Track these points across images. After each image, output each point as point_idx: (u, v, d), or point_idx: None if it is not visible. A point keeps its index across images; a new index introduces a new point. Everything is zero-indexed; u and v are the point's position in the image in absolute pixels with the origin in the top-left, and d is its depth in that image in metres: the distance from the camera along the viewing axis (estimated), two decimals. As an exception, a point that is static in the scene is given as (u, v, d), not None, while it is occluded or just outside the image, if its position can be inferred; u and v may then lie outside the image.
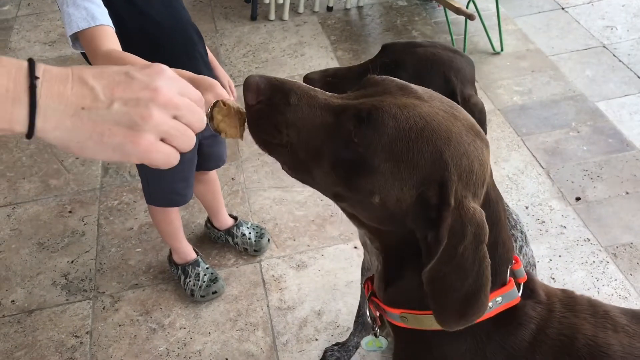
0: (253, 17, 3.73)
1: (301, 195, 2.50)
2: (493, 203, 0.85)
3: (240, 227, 2.26)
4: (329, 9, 3.78)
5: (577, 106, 2.91)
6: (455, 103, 0.85)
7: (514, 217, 1.37)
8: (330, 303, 2.09)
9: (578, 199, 2.42)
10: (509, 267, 0.88)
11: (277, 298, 2.12)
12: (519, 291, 0.88)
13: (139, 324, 2.06)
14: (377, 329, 1.03)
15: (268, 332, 2.01)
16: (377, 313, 0.99)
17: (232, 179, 2.60)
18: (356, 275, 1.89)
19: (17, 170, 2.70)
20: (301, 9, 3.76)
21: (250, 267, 2.23)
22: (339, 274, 2.18)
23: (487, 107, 2.90)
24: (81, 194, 2.57)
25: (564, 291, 0.95)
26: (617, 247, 2.22)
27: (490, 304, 0.83)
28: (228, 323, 2.05)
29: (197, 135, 0.70)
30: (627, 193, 2.43)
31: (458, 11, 2.94)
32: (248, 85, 0.79)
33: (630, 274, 2.11)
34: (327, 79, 1.18)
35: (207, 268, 2.14)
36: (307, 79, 1.19)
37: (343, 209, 0.89)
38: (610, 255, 2.19)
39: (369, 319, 1.04)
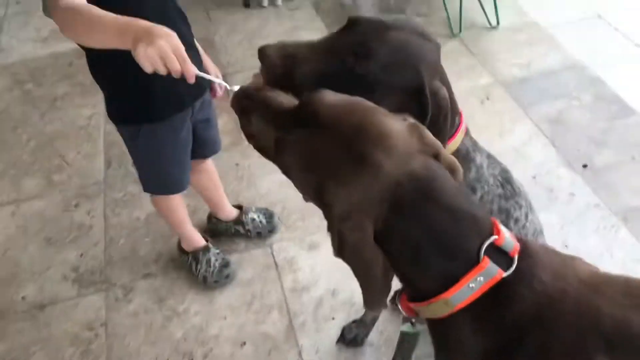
0: (246, 5, 3.70)
1: (307, 178, 2.48)
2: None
3: (248, 214, 2.24)
4: (322, -8, 3.76)
5: (577, 76, 2.90)
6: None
7: (517, 185, 1.35)
8: (345, 281, 2.08)
9: (585, 166, 2.41)
10: (482, 243, 0.85)
11: (290, 279, 2.11)
12: (512, 264, 0.85)
13: (154, 313, 2.04)
14: (414, 320, 1.08)
15: (284, 313, 2.00)
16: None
17: (237, 164, 2.58)
18: (369, 252, 1.88)
19: (18, 168, 2.67)
20: (294, -6, 3.73)
21: (260, 251, 2.22)
22: (351, 252, 2.17)
23: (487, 80, 2.93)
24: (85, 188, 2.55)
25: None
26: (627, 211, 2.22)
27: (472, 284, 0.83)
28: (243, 306, 2.04)
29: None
30: (633, 158, 2.43)
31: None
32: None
33: (642, 237, 2.11)
34: (287, 61, 1.09)
35: (217, 253, 2.12)
36: (263, 53, 1.09)
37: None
38: (620, 219, 2.19)
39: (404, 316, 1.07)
